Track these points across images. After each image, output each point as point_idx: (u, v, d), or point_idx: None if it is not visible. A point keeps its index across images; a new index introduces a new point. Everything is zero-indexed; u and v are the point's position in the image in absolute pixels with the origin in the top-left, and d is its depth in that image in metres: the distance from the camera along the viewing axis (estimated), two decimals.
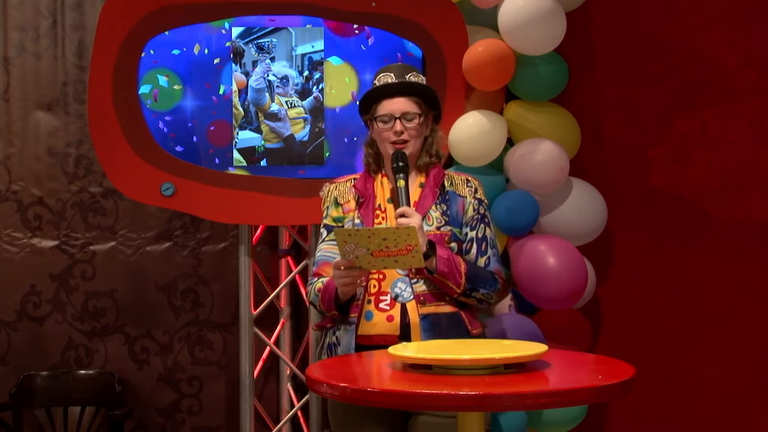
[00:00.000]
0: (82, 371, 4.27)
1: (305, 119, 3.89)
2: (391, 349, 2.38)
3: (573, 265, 3.60)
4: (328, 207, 2.98)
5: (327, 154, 3.89)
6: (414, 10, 3.76)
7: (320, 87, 3.88)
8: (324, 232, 2.96)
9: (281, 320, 4.26)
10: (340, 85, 3.88)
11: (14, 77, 4.28)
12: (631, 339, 3.99)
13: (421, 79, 2.96)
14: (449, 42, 3.73)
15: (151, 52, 3.82)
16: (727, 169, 3.94)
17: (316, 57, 3.88)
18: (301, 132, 3.89)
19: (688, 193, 3.99)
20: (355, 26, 3.86)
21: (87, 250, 4.31)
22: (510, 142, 3.83)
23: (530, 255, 3.59)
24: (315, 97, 3.88)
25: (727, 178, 3.94)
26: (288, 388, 4.26)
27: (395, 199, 2.87)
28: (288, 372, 4.23)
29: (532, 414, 3.65)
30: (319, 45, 3.87)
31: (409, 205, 2.81)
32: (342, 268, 2.70)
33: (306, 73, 3.88)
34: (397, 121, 2.87)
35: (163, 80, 3.85)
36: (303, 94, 3.88)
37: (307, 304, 3.10)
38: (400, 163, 2.85)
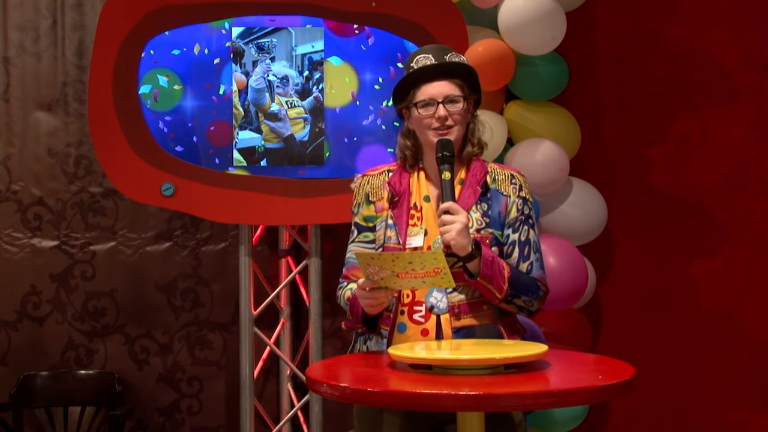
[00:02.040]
0: (82, 371, 4.26)
1: (305, 119, 3.89)
2: (391, 350, 2.38)
3: (573, 265, 3.60)
4: (359, 204, 2.70)
5: (327, 154, 3.88)
6: (414, 10, 3.75)
7: (320, 87, 3.88)
8: (355, 231, 2.71)
9: (281, 320, 4.26)
10: (340, 85, 3.88)
11: (14, 77, 4.27)
12: (631, 339, 3.99)
13: (461, 59, 2.66)
14: (449, 42, 3.69)
15: (151, 52, 3.82)
16: (727, 169, 3.95)
17: (316, 57, 3.87)
18: (301, 132, 3.89)
19: (688, 193, 4.00)
20: (355, 26, 3.85)
21: (87, 250, 4.30)
22: (510, 142, 3.83)
23: None
24: (315, 97, 3.88)
25: (727, 178, 3.95)
26: (288, 388, 4.26)
27: (440, 193, 2.59)
28: (288, 372, 4.23)
29: (534, 414, 3.65)
30: (319, 45, 3.87)
31: (454, 199, 2.53)
32: (367, 289, 2.48)
33: (306, 73, 3.88)
34: (440, 105, 2.58)
35: (163, 80, 3.85)
36: (303, 94, 3.88)
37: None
38: (446, 153, 2.56)
